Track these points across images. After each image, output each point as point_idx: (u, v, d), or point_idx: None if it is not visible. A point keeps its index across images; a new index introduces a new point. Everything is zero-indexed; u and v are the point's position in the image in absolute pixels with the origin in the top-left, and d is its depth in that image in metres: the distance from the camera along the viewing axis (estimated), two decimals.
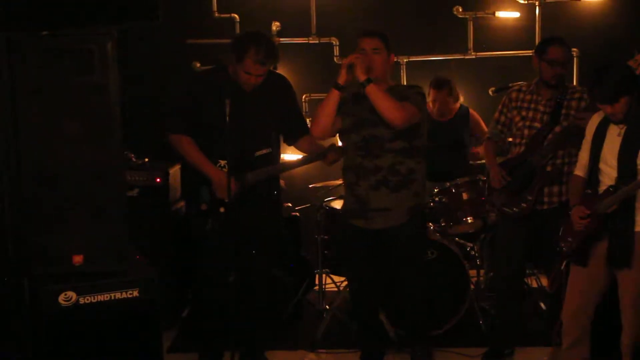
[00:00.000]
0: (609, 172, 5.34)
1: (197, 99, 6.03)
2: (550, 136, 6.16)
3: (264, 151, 6.11)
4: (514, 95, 6.40)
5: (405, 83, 8.15)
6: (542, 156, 6.17)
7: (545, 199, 6.22)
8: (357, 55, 5.60)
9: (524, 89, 6.37)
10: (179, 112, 6.11)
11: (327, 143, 6.14)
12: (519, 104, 6.34)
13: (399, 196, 5.73)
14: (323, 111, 5.75)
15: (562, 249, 5.57)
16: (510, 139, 6.62)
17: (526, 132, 6.28)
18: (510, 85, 6.65)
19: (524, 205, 6.21)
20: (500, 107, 6.51)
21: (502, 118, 6.46)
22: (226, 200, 5.87)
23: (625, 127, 5.28)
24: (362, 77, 5.53)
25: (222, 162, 6.04)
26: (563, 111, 6.14)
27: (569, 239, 5.50)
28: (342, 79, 5.63)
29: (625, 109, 5.22)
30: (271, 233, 6.35)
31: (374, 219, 5.73)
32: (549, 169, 6.18)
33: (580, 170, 5.60)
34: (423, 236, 6.27)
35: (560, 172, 6.16)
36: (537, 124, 6.22)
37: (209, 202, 6.06)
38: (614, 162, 5.31)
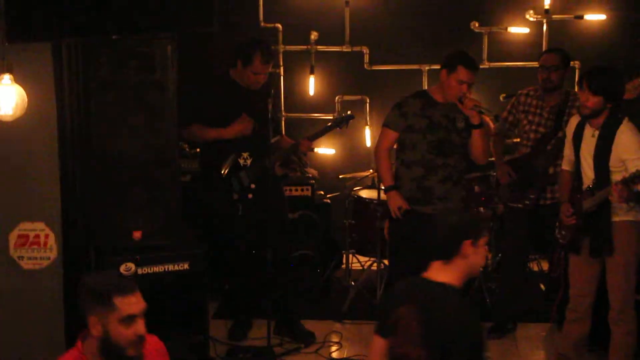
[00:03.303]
0: (588, 172, 5.33)
1: (211, 102, 6.12)
2: (553, 141, 6.16)
3: (277, 138, 6.39)
4: (522, 99, 6.38)
5: (426, 88, 8.13)
6: (546, 160, 6.17)
7: (548, 195, 6.21)
8: (477, 103, 5.65)
9: (531, 93, 6.35)
10: (193, 112, 6.10)
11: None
12: (526, 107, 6.33)
13: (457, 188, 5.82)
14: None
15: (559, 241, 5.59)
16: (517, 140, 6.61)
17: (532, 135, 6.26)
18: (519, 92, 6.63)
19: (527, 202, 6.21)
20: (509, 107, 6.50)
21: (510, 117, 6.45)
22: (249, 194, 6.08)
23: (598, 133, 5.25)
24: (477, 121, 5.65)
25: (245, 154, 6.12)
26: (565, 118, 6.10)
27: (563, 232, 5.51)
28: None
29: (596, 108, 5.17)
30: (283, 211, 6.50)
31: (436, 205, 5.74)
32: (551, 171, 6.17)
33: (567, 165, 5.58)
34: None
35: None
36: (541, 129, 6.21)
37: (239, 191, 6.15)
38: (590, 162, 5.29)
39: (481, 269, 6.73)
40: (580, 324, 5.51)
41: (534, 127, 6.27)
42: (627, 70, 5.69)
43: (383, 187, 6.01)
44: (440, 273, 3.71)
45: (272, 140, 6.27)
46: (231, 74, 6.14)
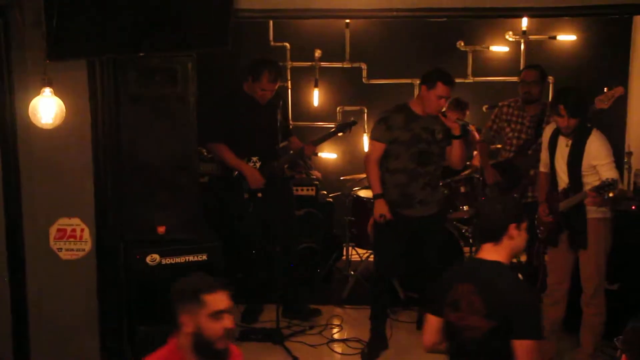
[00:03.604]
0: (562, 176, 5.38)
1: (227, 113, 6.16)
2: (534, 147, 6.19)
3: (285, 143, 6.40)
4: (505, 109, 6.41)
5: None
6: (527, 163, 6.20)
7: (529, 194, 6.26)
8: (458, 118, 5.68)
9: (512, 104, 6.37)
10: (215, 124, 6.15)
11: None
12: (508, 117, 6.36)
13: (435, 192, 5.80)
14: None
15: (538, 235, 5.63)
16: (499, 146, 6.65)
17: (515, 141, 6.29)
18: (500, 103, 6.66)
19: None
20: (493, 117, 6.52)
21: (495, 126, 6.48)
22: (258, 193, 6.10)
23: (571, 142, 5.31)
24: (458, 132, 5.60)
25: (254, 158, 6.18)
26: (544, 126, 6.10)
27: (542, 228, 5.55)
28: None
29: (574, 127, 5.24)
30: (290, 209, 6.57)
31: (417, 208, 5.72)
32: (532, 173, 6.21)
33: (543, 167, 5.62)
34: (444, 222, 6.29)
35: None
36: (523, 136, 6.24)
37: (249, 191, 6.20)
38: (564, 167, 5.34)
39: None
40: (557, 308, 5.54)
41: (516, 135, 6.30)
42: (595, 84, 5.72)
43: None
44: (492, 253, 3.77)
45: (281, 145, 6.34)
46: (244, 87, 6.20)
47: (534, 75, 6.24)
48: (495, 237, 3.76)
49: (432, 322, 3.87)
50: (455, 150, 5.68)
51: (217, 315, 3.31)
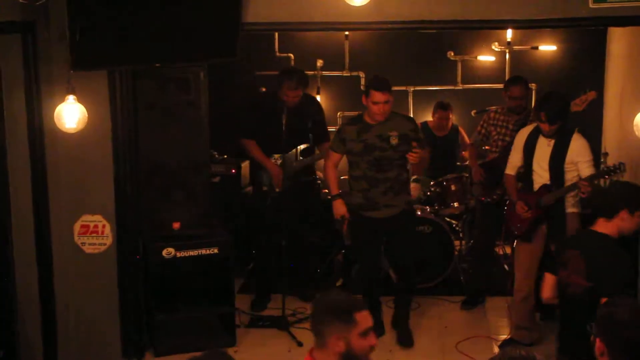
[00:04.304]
0: (542, 174, 5.37)
1: (259, 114, 6.22)
2: None
3: (304, 146, 6.38)
4: (492, 115, 6.40)
5: (411, 105, 8.19)
6: None
7: None
8: (413, 147, 5.44)
9: (499, 110, 6.37)
10: (248, 123, 6.30)
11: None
12: (495, 122, 6.35)
13: (400, 197, 5.61)
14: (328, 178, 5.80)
15: (514, 232, 5.59)
16: (487, 147, 6.66)
17: (500, 143, 6.28)
18: (487, 108, 6.67)
19: (495, 197, 6.25)
20: (482, 122, 6.51)
21: (483, 131, 6.48)
22: (277, 189, 6.12)
23: (554, 141, 5.33)
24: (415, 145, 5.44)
25: (276, 156, 6.21)
26: None
27: (519, 225, 5.51)
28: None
29: (556, 130, 5.28)
30: (312, 208, 6.62)
31: (381, 210, 5.58)
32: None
33: (511, 170, 5.63)
34: (412, 219, 6.08)
35: (521, 174, 6.21)
36: (507, 138, 6.23)
37: (269, 185, 6.24)
38: (546, 166, 5.34)
39: (456, 253, 6.81)
40: (529, 300, 5.54)
41: (501, 137, 6.29)
42: (574, 90, 5.74)
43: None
44: (602, 227, 4.07)
45: (301, 147, 6.40)
46: (278, 93, 6.23)
47: (520, 90, 6.21)
48: (608, 214, 4.04)
49: (549, 280, 4.23)
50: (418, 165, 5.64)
51: (366, 333, 3.14)
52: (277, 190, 6.19)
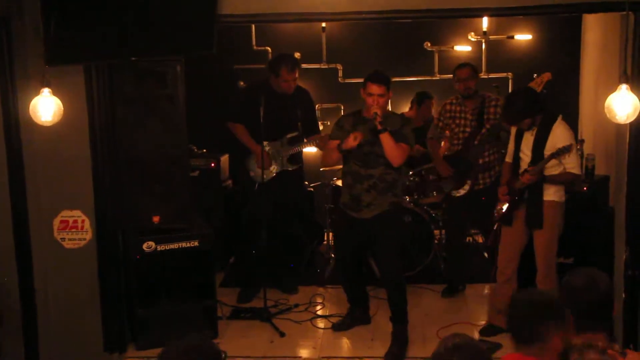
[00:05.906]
0: (525, 160, 5.41)
1: (250, 101, 6.19)
2: (478, 137, 6.20)
3: (293, 134, 6.40)
4: (447, 107, 6.37)
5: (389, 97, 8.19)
6: (476, 153, 6.20)
7: (480, 181, 6.26)
8: (375, 110, 5.28)
9: (454, 101, 6.34)
10: (237, 108, 6.42)
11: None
12: (452, 114, 6.32)
13: (383, 197, 5.48)
14: (329, 161, 5.78)
15: (495, 216, 5.66)
16: (445, 140, 6.65)
17: (461, 135, 6.26)
18: (443, 102, 6.64)
19: (466, 187, 6.28)
20: (438, 115, 6.53)
21: (440, 124, 6.45)
22: (263, 173, 6.11)
23: (536, 129, 5.36)
24: (379, 127, 5.26)
25: (265, 143, 6.20)
26: (485, 117, 6.16)
27: (498, 207, 5.59)
28: (347, 146, 5.40)
29: (530, 123, 5.31)
30: (296, 196, 6.73)
31: (362, 211, 5.50)
32: (480, 161, 6.22)
33: (508, 157, 5.65)
34: (398, 221, 5.86)
35: (488, 163, 6.23)
36: (468, 129, 6.22)
37: (255, 171, 6.30)
38: (529, 153, 5.38)
39: (436, 242, 6.82)
40: (510, 284, 5.56)
41: (461, 129, 6.27)
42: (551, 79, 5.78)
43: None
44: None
45: (289, 135, 6.41)
46: (270, 82, 6.28)
47: (467, 71, 6.21)
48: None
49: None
50: (384, 146, 5.32)
51: None
52: (262, 176, 6.17)
